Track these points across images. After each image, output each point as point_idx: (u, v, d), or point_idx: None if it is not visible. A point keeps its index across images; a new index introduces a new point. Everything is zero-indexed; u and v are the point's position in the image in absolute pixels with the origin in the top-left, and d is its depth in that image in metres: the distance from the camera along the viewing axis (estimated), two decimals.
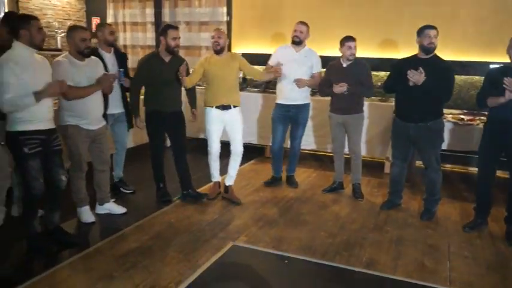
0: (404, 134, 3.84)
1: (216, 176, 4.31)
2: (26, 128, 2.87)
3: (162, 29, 4.00)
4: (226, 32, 4.32)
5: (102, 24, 4.22)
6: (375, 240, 3.47)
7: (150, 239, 3.39)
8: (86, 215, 3.63)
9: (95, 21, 7.16)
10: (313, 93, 5.68)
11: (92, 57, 3.52)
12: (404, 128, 3.82)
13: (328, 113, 4.43)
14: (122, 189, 4.32)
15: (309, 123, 5.48)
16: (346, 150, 4.48)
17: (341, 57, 4.25)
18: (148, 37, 6.95)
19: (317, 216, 3.94)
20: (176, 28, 3.95)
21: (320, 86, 4.45)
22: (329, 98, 4.45)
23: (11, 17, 3.40)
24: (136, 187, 4.45)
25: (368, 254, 3.23)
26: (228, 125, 4.10)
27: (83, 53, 3.34)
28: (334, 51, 4.39)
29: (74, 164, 3.46)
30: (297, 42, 4.38)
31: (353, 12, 5.85)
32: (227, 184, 4.25)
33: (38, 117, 2.95)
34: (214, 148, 4.15)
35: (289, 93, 4.46)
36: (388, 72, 4.09)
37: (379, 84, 5.27)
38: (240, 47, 6.53)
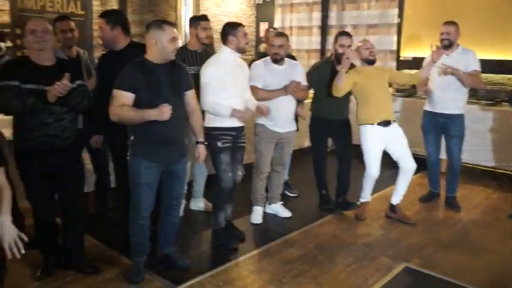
0: None
1: (367, 197, 3.92)
2: (220, 125, 3.09)
3: (335, 35, 3.91)
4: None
5: (268, 30, 4.36)
6: None
7: (316, 248, 3.32)
8: (256, 215, 3.73)
9: (263, 26, 7.45)
10: (495, 103, 5.03)
11: (293, 61, 3.65)
12: None
13: None
14: (286, 192, 4.35)
15: (489, 137, 4.89)
16: None
17: None
18: (314, 41, 6.96)
19: (504, 246, 3.41)
20: (348, 36, 3.80)
21: None
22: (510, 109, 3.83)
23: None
24: (299, 191, 4.45)
25: None
26: (392, 142, 3.70)
27: (272, 58, 3.47)
28: None
29: (256, 161, 3.62)
30: (446, 45, 3.88)
31: None
32: (395, 203, 3.88)
33: None
34: (375, 171, 3.71)
35: (437, 100, 4.00)
36: None
37: None
38: (409, 51, 6.11)
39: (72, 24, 3.45)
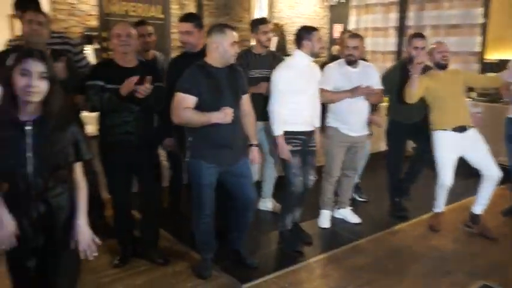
0: None
1: (441, 207, 3.67)
2: (290, 129, 3.10)
3: (409, 37, 3.76)
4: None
5: (343, 33, 4.29)
6: None
7: (386, 257, 3.21)
8: (323, 219, 3.68)
9: (337, 27, 7.35)
10: None
11: (367, 63, 3.59)
12: None
13: None
14: (355, 196, 4.24)
15: None
16: None
17: None
18: (390, 42, 6.74)
19: None
20: (422, 37, 3.62)
21: None
22: None
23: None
24: (369, 196, 4.32)
25: None
26: (470, 149, 3.46)
27: (345, 59, 3.44)
28: None
29: (326, 165, 3.58)
30: None
31: None
32: (477, 213, 3.61)
33: (301, 120, 3.14)
34: (449, 180, 3.48)
35: None
36: None
37: None
38: (496, 53, 5.71)
39: (150, 28, 3.57)
